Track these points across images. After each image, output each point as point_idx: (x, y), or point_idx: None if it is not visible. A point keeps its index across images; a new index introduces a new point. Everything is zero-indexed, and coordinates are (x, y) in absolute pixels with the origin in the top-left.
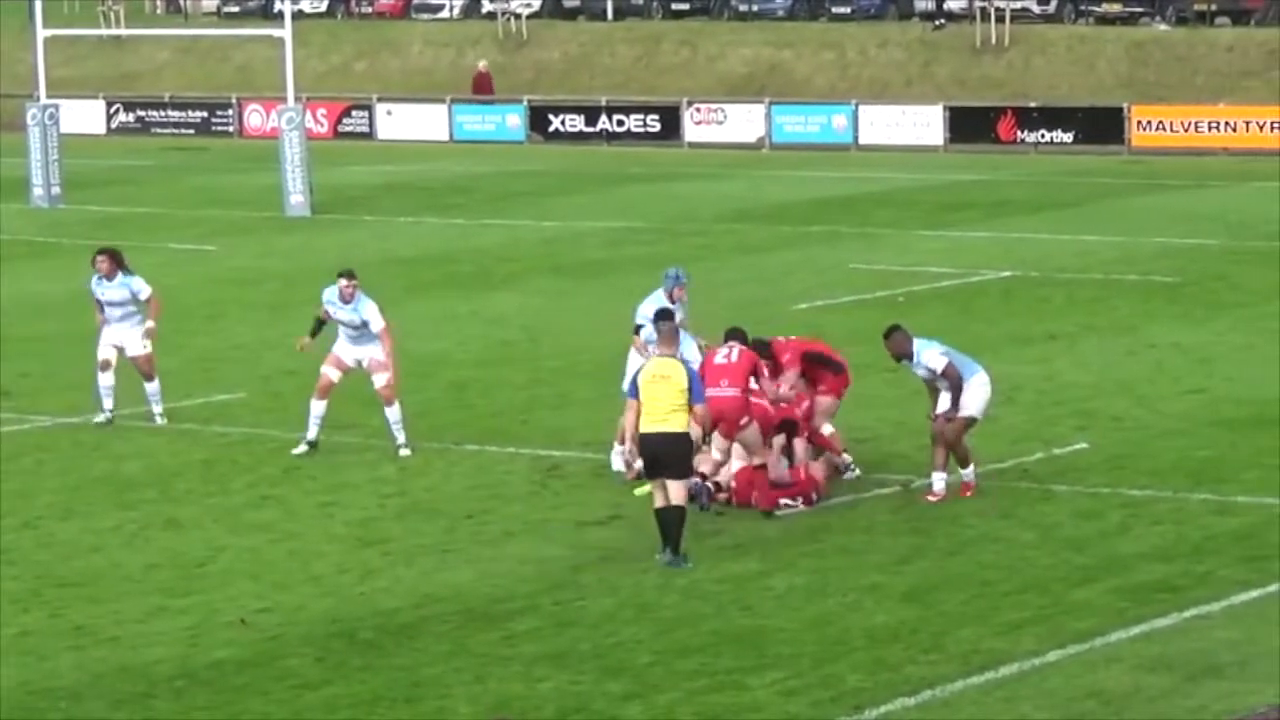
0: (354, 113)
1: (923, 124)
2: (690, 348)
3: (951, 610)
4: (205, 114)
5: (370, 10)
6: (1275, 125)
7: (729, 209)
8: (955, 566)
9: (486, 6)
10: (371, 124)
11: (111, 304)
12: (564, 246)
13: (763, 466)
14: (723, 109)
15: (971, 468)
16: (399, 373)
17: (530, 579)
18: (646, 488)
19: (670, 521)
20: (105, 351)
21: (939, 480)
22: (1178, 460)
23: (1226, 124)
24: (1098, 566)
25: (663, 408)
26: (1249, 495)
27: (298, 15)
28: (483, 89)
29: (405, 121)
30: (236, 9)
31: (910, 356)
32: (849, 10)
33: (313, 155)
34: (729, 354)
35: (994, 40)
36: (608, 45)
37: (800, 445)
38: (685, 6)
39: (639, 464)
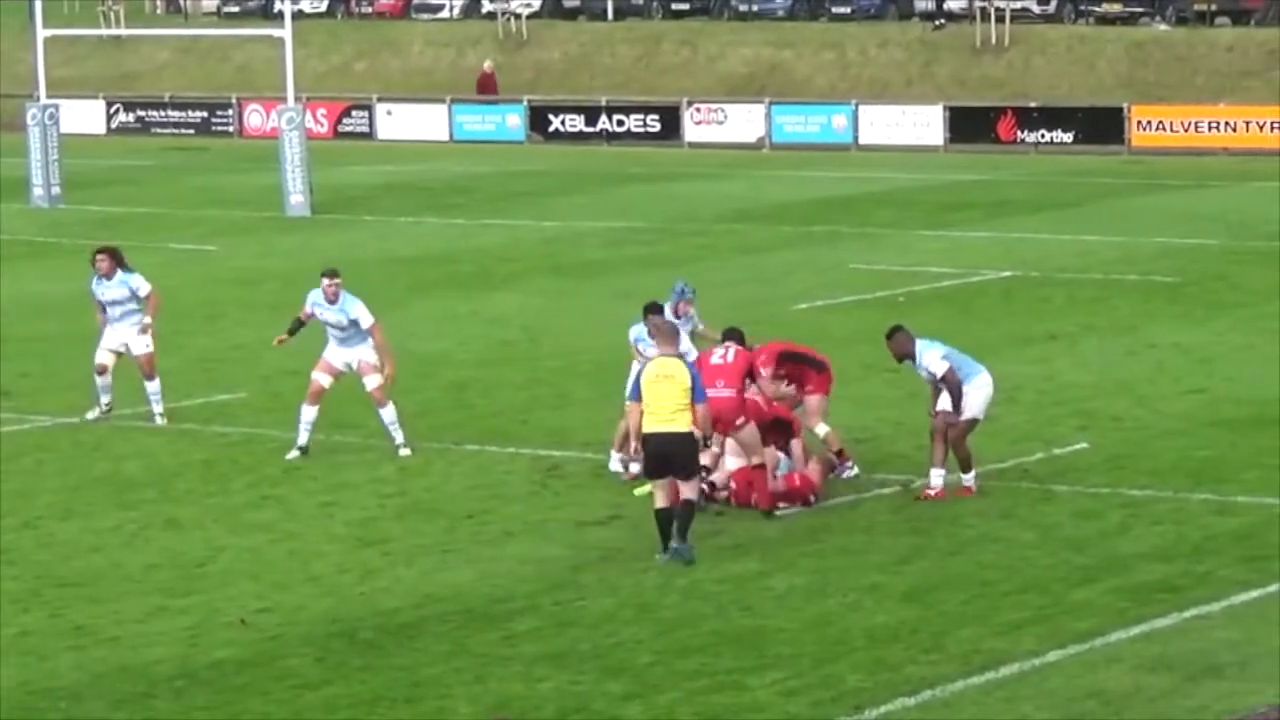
0: (354, 113)
1: (923, 124)
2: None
3: (952, 610)
4: (205, 114)
5: (370, 10)
6: (1275, 125)
7: (729, 209)
8: (955, 566)
9: (486, 6)
10: (371, 124)
11: (112, 303)
12: (564, 246)
13: (761, 466)
14: (723, 109)
15: (973, 473)
16: (396, 366)
17: (530, 579)
18: (646, 488)
19: (681, 516)
20: (102, 356)
21: (937, 477)
22: (1178, 460)
23: (1226, 124)
24: (1098, 566)
25: (667, 408)
26: (1249, 495)
27: (298, 15)
28: (487, 89)
29: (405, 121)
30: (236, 9)
31: (913, 357)
32: (849, 10)
33: (313, 155)
34: (724, 354)
35: (994, 40)
36: (608, 45)
37: (798, 446)
38: (685, 6)
39: (635, 466)
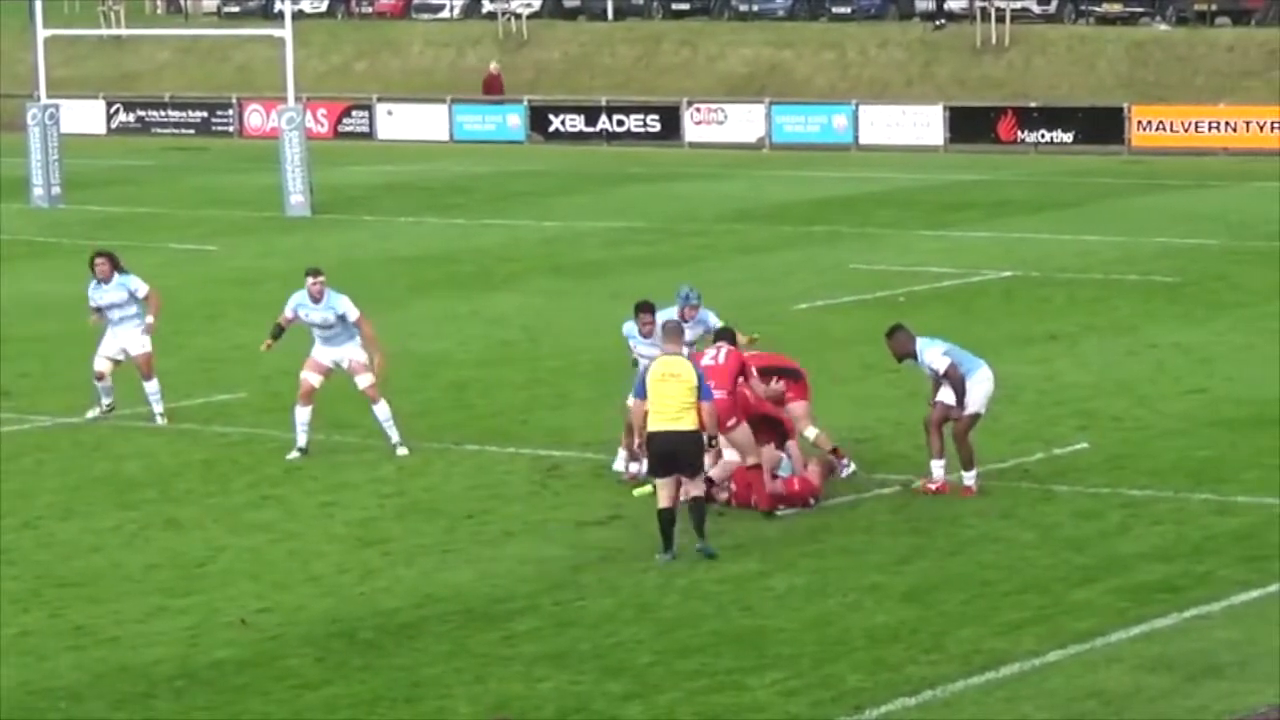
0: (354, 113)
1: (923, 124)
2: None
3: (952, 610)
4: (205, 114)
5: (370, 10)
6: (1275, 125)
7: (729, 209)
8: (955, 566)
9: (487, 6)
10: (372, 124)
11: (112, 306)
12: (564, 246)
13: (756, 467)
14: (723, 109)
15: (974, 472)
16: (384, 358)
17: (530, 579)
18: (646, 489)
19: (695, 514)
20: (100, 363)
21: (937, 468)
22: (1178, 460)
23: (1226, 124)
24: (1098, 566)
25: (673, 406)
26: (1249, 495)
27: (298, 15)
28: (493, 89)
29: (405, 121)
30: (237, 9)
31: (913, 356)
32: (849, 10)
33: (313, 155)
34: (716, 355)
35: (994, 40)
36: (608, 45)
37: (795, 448)
38: (685, 6)
39: (634, 466)
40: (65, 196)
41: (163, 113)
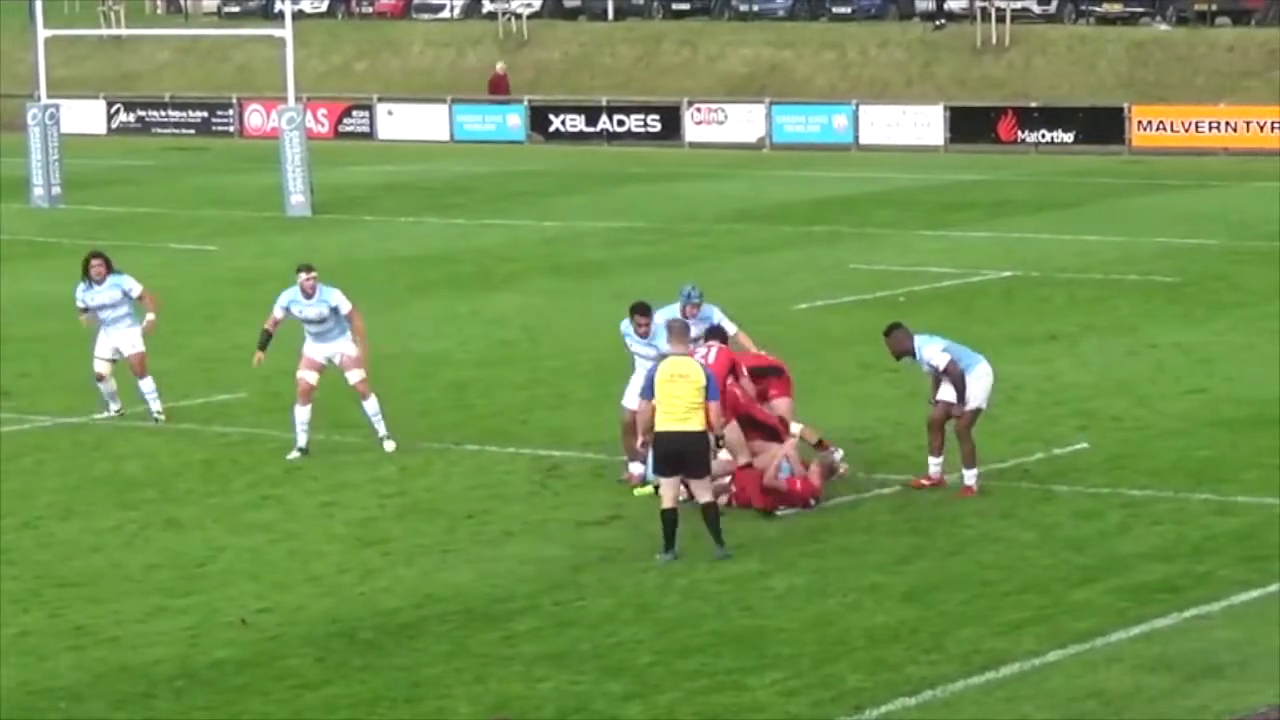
0: (354, 113)
1: (923, 124)
2: (664, 342)
3: (952, 610)
4: (206, 114)
5: (371, 10)
6: (1275, 125)
7: (729, 209)
8: (955, 566)
9: (487, 6)
10: (372, 124)
11: (104, 306)
12: (564, 246)
13: (748, 466)
14: (723, 109)
15: (975, 471)
16: (371, 352)
17: (530, 579)
18: (647, 489)
19: (709, 520)
20: (99, 365)
21: (934, 466)
22: (1178, 460)
23: (1227, 124)
24: (1098, 566)
25: (681, 406)
26: (1249, 495)
27: (298, 15)
28: (499, 89)
29: (406, 121)
30: (237, 9)
31: (912, 354)
32: (849, 10)
33: (313, 155)
34: (706, 354)
35: (994, 40)
36: (608, 45)
37: (792, 449)
38: (686, 6)
39: (635, 467)
40: (65, 196)
41: (163, 113)
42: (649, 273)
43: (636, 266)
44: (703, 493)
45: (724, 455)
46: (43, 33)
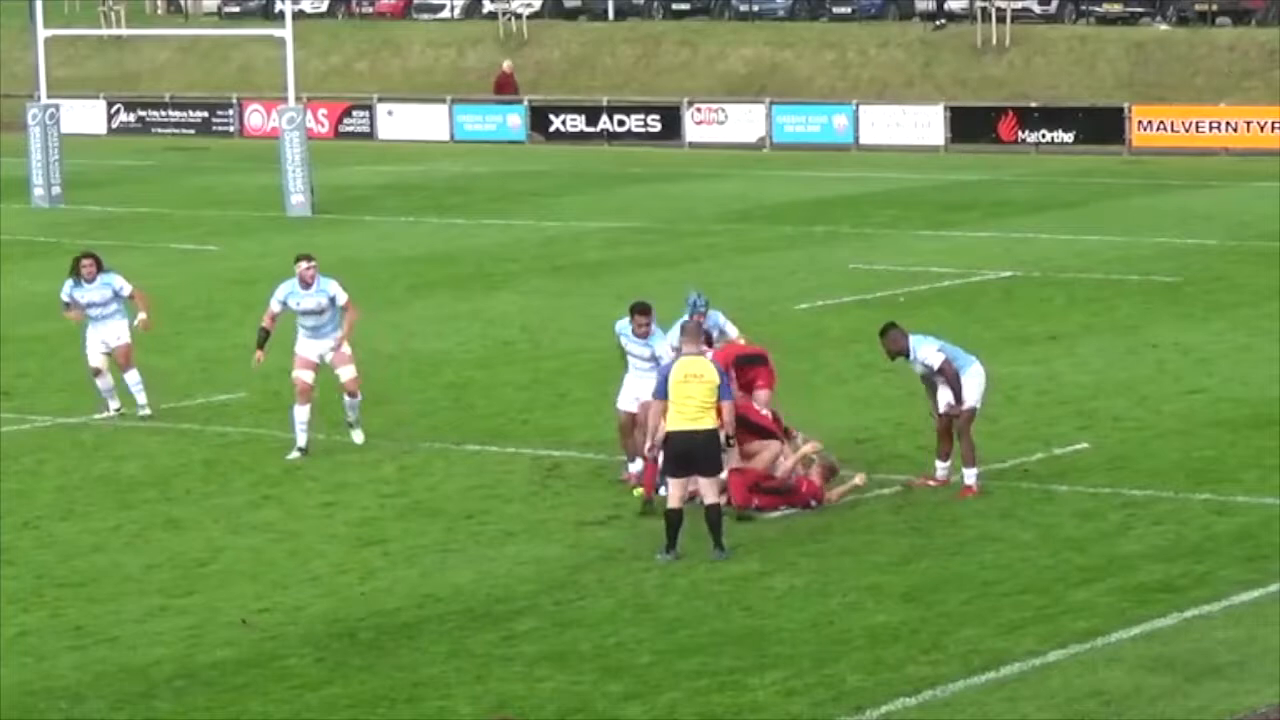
0: (355, 113)
1: (923, 124)
2: (662, 344)
3: (952, 610)
4: (206, 114)
5: (371, 10)
6: (1275, 125)
7: (729, 209)
8: (956, 566)
9: (487, 6)
10: (372, 124)
11: (93, 304)
12: (564, 246)
13: (737, 469)
14: (723, 109)
15: (975, 470)
16: (351, 341)
17: (530, 579)
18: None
19: (712, 522)
20: (94, 359)
21: (941, 469)
22: (1178, 460)
23: (1227, 124)
24: (1098, 566)
25: (693, 406)
26: (1249, 495)
27: (298, 15)
28: (505, 89)
29: (406, 121)
30: (237, 9)
31: (906, 353)
32: (849, 10)
33: (313, 155)
34: None
35: (995, 40)
36: (608, 45)
37: (789, 449)
38: (686, 6)
39: (634, 467)
40: (65, 196)
41: (163, 113)
42: (649, 273)
43: (636, 266)
44: (710, 493)
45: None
46: (43, 33)
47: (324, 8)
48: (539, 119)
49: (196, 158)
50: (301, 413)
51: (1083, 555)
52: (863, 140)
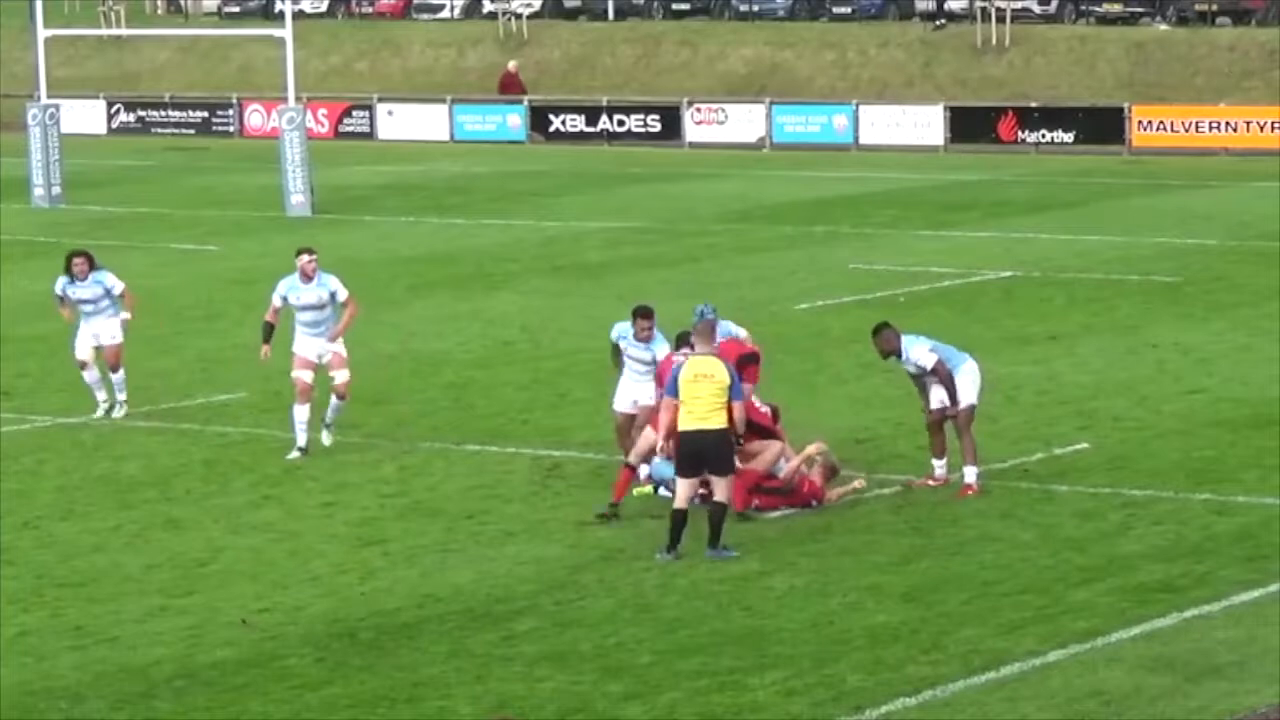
0: (355, 113)
1: (923, 124)
2: (661, 347)
3: (952, 610)
4: (206, 114)
5: (371, 10)
6: (1275, 125)
7: (729, 209)
8: (956, 566)
9: (487, 6)
10: (372, 124)
11: (84, 301)
12: (564, 246)
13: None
14: (723, 109)
15: (975, 470)
16: (349, 338)
17: (530, 579)
18: (646, 489)
19: (714, 518)
20: (82, 352)
21: (939, 467)
22: (1178, 460)
23: (1227, 124)
24: (1098, 566)
25: (703, 405)
26: (1249, 495)
27: (298, 15)
28: (511, 89)
29: (406, 121)
30: (237, 9)
31: (898, 353)
32: (849, 10)
33: (313, 155)
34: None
35: (994, 40)
36: (608, 45)
37: (787, 449)
38: (686, 6)
39: (644, 469)
40: (65, 196)
41: (163, 113)
42: (649, 273)
43: (636, 266)
44: (720, 491)
45: None
46: (43, 33)
47: (324, 8)
48: (539, 119)
49: (196, 158)
50: (301, 413)
51: (1083, 555)
52: (863, 140)
